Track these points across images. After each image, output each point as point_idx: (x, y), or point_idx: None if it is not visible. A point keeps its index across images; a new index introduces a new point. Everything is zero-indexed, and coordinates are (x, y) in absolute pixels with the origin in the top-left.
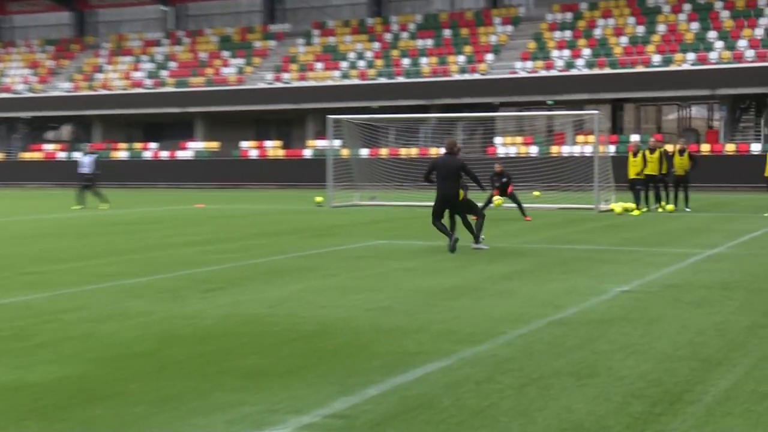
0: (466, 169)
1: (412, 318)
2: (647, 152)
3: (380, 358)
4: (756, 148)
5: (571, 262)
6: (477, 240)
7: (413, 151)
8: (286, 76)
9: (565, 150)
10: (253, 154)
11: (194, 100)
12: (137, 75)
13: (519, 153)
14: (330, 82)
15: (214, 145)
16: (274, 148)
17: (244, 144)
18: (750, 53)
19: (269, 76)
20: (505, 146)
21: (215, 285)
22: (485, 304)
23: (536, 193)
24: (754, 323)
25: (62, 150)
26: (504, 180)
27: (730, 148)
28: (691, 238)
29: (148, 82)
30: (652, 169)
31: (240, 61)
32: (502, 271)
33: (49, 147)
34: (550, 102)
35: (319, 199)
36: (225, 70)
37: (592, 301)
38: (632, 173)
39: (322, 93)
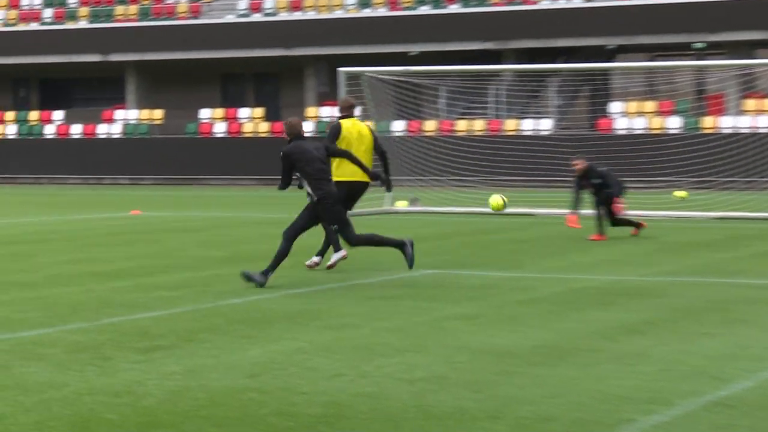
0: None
1: (481, 395)
2: None
3: None
4: None
5: (738, 306)
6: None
7: (477, 125)
8: (269, 3)
9: (727, 123)
10: (220, 129)
11: (120, 42)
12: (26, 1)
13: (650, 128)
14: (340, 14)
15: (155, 114)
16: (252, 121)
17: (205, 113)
18: None
19: (242, 4)
20: (628, 117)
21: (159, 341)
22: (597, 374)
23: (680, 193)
24: None
25: None
26: (597, 182)
27: None
28: None
29: (47, 12)
30: None
31: None
32: (623, 321)
33: None
34: (699, 45)
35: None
36: None
37: None
38: None
39: (329, 31)
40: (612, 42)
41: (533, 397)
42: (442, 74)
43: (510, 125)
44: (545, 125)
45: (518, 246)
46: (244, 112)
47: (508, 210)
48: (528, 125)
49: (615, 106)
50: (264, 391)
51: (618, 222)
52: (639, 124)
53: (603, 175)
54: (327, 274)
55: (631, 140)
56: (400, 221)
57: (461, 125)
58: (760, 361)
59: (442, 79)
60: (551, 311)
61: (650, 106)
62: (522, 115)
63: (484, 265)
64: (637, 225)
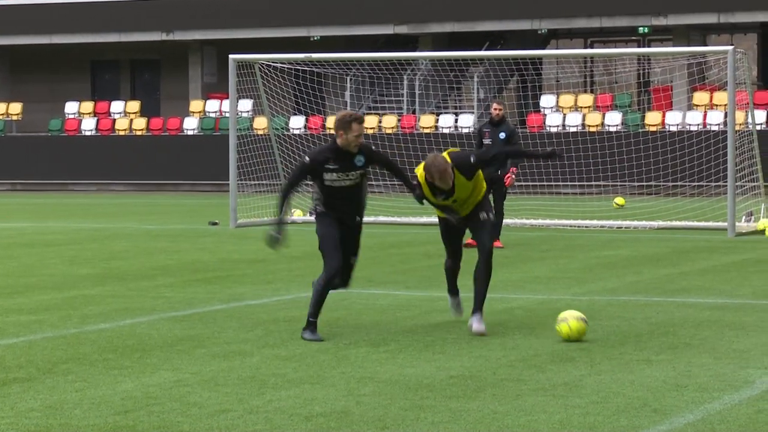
0: None
1: None
2: None
3: None
4: None
5: (683, 329)
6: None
7: (389, 121)
8: None
9: (673, 119)
10: (88, 126)
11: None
12: None
13: (586, 125)
14: None
15: (12, 108)
16: (126, 116)
17: (71, 107)
18: None
19: None
20: (561, 111)
21: (15, 373)
22: (522, 408)
23: (619, 199)
24: None
25: None
26: (502, 136)
27: None
28: None
29: None
30: None
31: None
32: (553, 347)
33: None
34: (643, 29)
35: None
36: None
37: (723, 401)
38: None
39: (217, 12)
40: (544, 26)
41: None
42: (348, 62)
43: (426, 121)
44: (466, 121)
45: (434, 261)
46: (117, 106)
47: (422, 220)
48: (446, 121)
49: (547, 100)
50: (137, 431)
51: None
52: (574, 120)
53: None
54: (210, 293)
55: (565, 138)
56: (298, 233)
57: (369, 121)
58: (705, 392)
59: (348, 68)
60: (471, 336)
61: (587, 99)
62: (440, 109)
63: (394, 284)
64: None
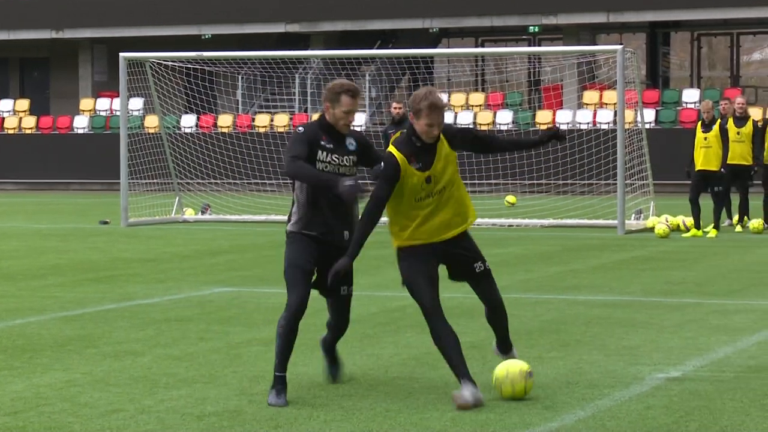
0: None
1: None
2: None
3: None
4: None
5: (573, 326)
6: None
7: (280, 120)
8: None
9: (564, 117)
10: None
11: None
12: None
13: (477, 123)
14: None
15: None
16: (15, 114)
17: None
18: None
19: None
20: (452, 110)
21: None
22: (414, 406)
23: (510, 198)
24: None
25: None
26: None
27: None
28: None
29: None
30: (732, 156)
31: None
32: None
33: None
34: (533, 29)
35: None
36: None
37: (614, 397)
38: (704, 161)
39: (108, 10)
40: (435, 25)
41: None
42: (240, 61)
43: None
44: (358, 119)
45: None
46: (5, 105)
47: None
48: None
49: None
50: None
51: None
52: (465, 119)
53: None
54: (101, 293)
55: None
56: (189, 232)
57: (261, 120)
58: (595, 388)
59: (240, 66)
60: (364, 335)
61: (478, 98)
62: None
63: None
64: None
